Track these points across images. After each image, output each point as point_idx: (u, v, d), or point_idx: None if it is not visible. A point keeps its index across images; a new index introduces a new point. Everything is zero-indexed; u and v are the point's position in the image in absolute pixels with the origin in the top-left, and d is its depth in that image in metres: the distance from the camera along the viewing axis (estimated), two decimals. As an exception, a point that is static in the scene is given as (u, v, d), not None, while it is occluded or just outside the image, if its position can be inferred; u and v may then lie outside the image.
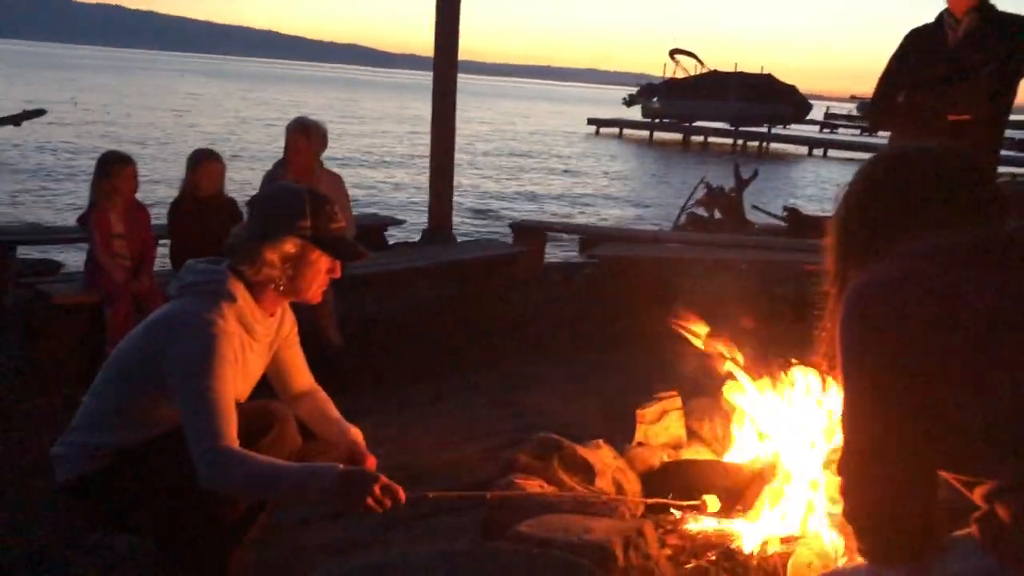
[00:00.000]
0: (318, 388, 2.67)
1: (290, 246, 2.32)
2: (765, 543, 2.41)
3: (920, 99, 4.01)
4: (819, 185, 25.69)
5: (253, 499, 2.40)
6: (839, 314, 1.37)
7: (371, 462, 2.46)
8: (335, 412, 2.62)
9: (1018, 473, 1.21)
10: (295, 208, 2.32)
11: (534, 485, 2.52)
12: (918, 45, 4.19)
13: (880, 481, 1.33)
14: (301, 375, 2.64)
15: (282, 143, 5.23)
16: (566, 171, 25.28)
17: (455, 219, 9.12)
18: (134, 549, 2.76)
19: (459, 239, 9.02)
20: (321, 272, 2.39)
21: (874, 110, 4.41)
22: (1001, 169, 4.12)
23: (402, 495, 2.17)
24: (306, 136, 5.10)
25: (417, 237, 9.08)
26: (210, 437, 2.14)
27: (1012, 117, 4.33)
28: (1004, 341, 1.22)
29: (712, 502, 2.60)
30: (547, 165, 26.57)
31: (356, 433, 2.55)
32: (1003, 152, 4.21)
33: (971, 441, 1.24)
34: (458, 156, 8.66)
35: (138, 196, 5.00)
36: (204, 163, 5.04)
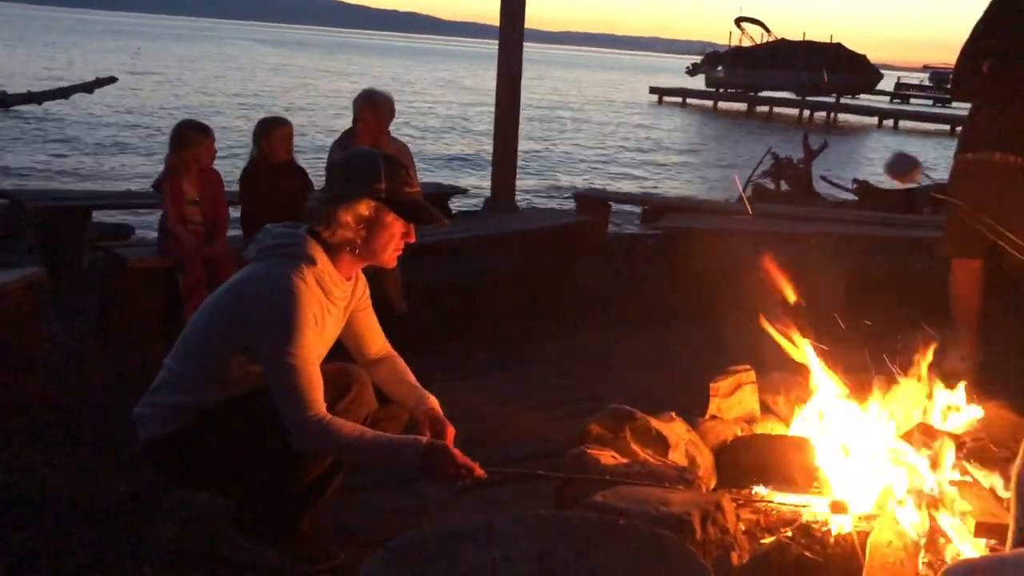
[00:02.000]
0: (394, 353, 2.69)
1: (364, 208, 2.33)
2: (843, 520, 2.37)
3: (1006, 69, 3.86)
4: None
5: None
6: None
7: (450, 432, 2.46)
8: (412, 378, 2.63)
9: None
10: (369, 170, 2.34)
11: (606, 456, 2.51)
12: (1005, 12, 4.02)
13: None
14: (377, 339, 2.66)
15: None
16: (628, 141, 25.01)
17: (518, 189, 9.09)
18: (212, 507, 2.83)
19: (522, 208, 9.00)
20: (396, 236, 2.40)
21: (957, 79, 4.25)
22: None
23: (479, 471, 2.22)
24: (374, 107, 5.15)
25: (479, 206, 9.08)
26: (301, 406, 2.22)
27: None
28: None
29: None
30: (609, 135, 26.32)
31: (433, 401, 2.56)
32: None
33: None
34: (520, 126, 8.59)
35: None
36: (275, 130, 5.09)
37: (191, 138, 4.82)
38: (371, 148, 2.74)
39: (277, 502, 2.50)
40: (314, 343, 2.30)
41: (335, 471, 2.51)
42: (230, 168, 6.04)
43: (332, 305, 2.41)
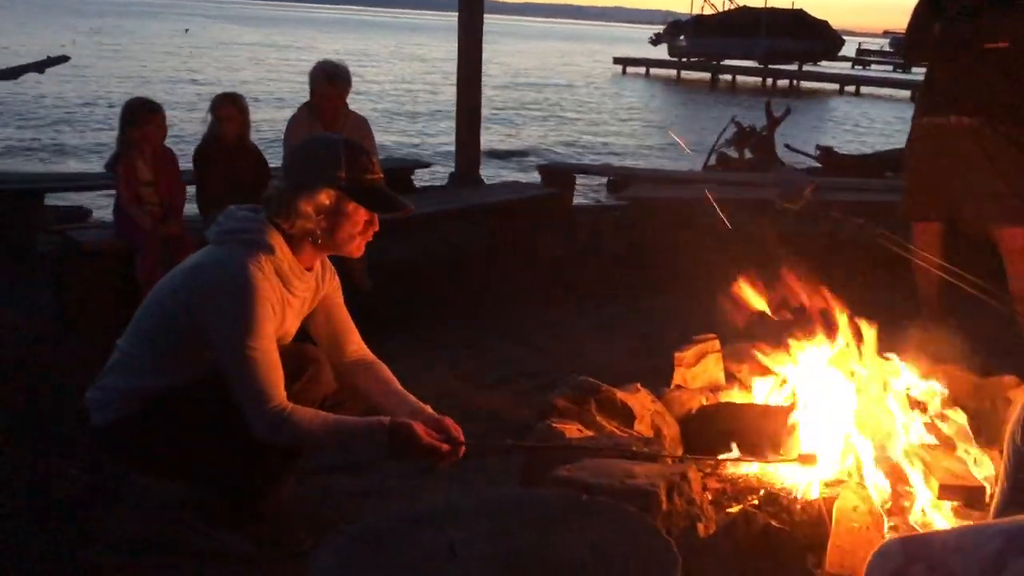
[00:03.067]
0: (376, 359, 2.55)
1: (325, 197, 2.25)
2: (807, 486, 2.37)
3: (955, 30, 3.86)
4: (851, 123, 25.16)
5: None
6: None
7: (457, 430, 2.34)
8: (400, 386, 2.47)
9: None
10: (330, 158, 2.26)
11: (571, 430, 2.49)
12: None
13: None
14: (352, 337, 2.55)
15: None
16: (593, 112, 24.92)
17: (482, 162, 9.02)
18: (173, 495, 2.77)
19: (486, 182, 8.93)
20: (359, 225, 2.32)
21: (908, 43, 4.25)
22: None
23: (444, 448, 2.16)
24: (331, 81, 5.05)
25: (444, 181, 9.00)
26: (261, 399, 2.16)
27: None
28: None
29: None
30: (574, 106, 26.20)
31: (430, 410, 2.37)
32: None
33: None
34: (483, 98, 8.50)
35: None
36: (223, 107, 4.98)
37: (141, 116, 4.69)
38: (331, 133, 2.65)
39: (238, 487, 2.45)
40: (273, 335, 2.23)
41: (295, 454, 2.46)
42: (186, 148, 5.90)
43: (292, 297, 2.34)
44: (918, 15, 4.09)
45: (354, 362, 2.53)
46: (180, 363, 2.32)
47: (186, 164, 5.18)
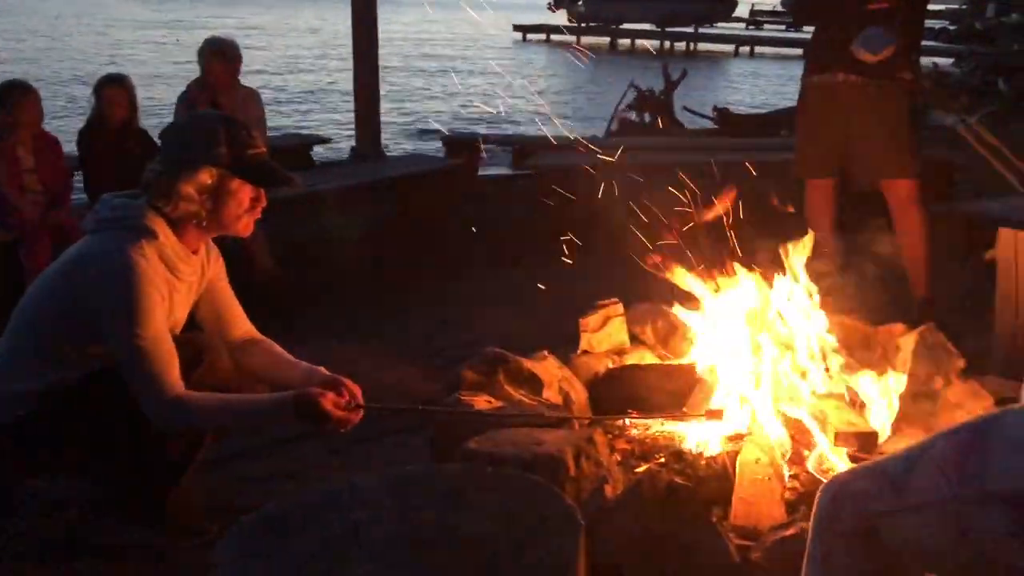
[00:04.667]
0: (262, 337, 2.51)
1: (206, 176, 2.18)
2: (711, 442, 2.44)
3: None
4: (747, 83, 25.72)
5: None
6: None
7: (356, 389, 2.32)
8: (290, 356, 2.45)
9: None
10: (208, 136, 2.17)
11: (480, 401, 2.50)
12: None
13: None
14: (239, 318, 2.49)
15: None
16: (495, 80, 24.81)
17: (383, 135, 8.89)
18: (72, 492, 2.67)
19: (389, 156, 8.82)
20: (245, 202, 2.25)
21: (794, 4, 4.34)
22: (922, 59, 4.11)
23: (356, 416, 2.15)
24: (221, 57, 4.91)
25: (345, 155, 8.84)
26: (157, 388, 2.09)
27: (933, 7, 4.30)
28: None
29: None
30: (474, 75, 26.05)
31: (324, 371, 2.36)
32: (925, 43, 4.17)
33: None
34: (381, 69, 8.36)
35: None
36: (107, 89, 4.77)
37: (13, 99, 4.45)
38: (208, 110, 2.55)
39: (140, 481, 2.38)
40: (164, 321, 2.16)
41: (199, 442, 2.40)
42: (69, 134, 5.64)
43: (179, 281, 2.26)
44: None
45: (242, 342, 2.49)
46: (68, 360, 2.22)
47: (71, 149, 4.97)
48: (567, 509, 1.49)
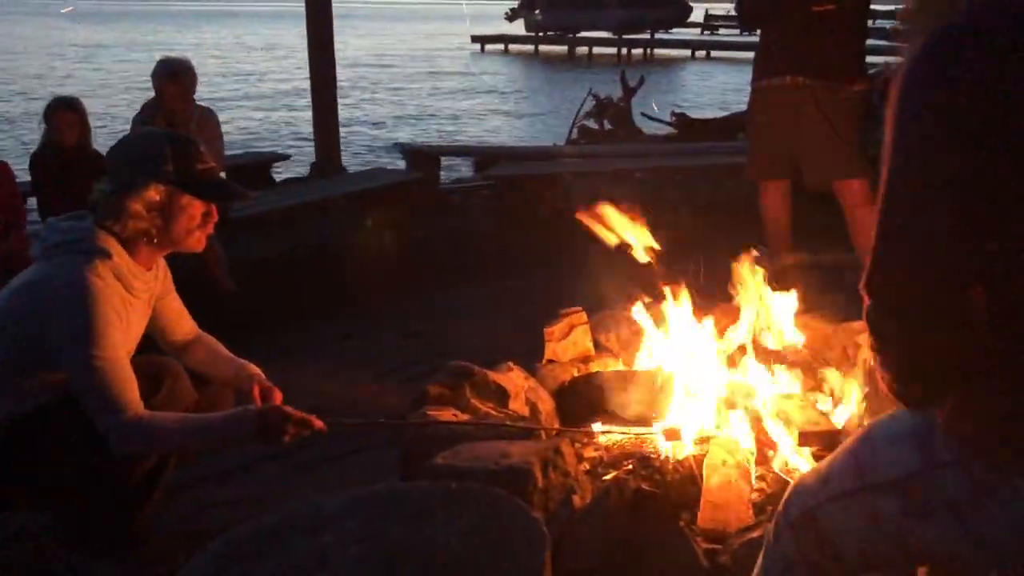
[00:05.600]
0: (202, 332, 2.55)
1: (155, 193, 2.16)
2: (677, 447, 2.45)
3: None
4: (704, 87, 25.98)
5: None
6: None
7: (278, 395, 2.36)
8: (227, 352, 2.50)
9: None
10: (154, 152, 2.16)
11: (447, 416, 2.49)
12: None
13: (930, 303, 1.08)
14: (184, 322, 2.50)
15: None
16: (454, 92, 24.82)
17: (343, 150, 8.86)
18: (34, 524, 2.62)
19: (350, 170, 8.78)
20: (196, 218, 2.24)
21: (741, 7, 4.40)
22: (871, 59, 4.15)
23: (317, 423, 2.15)
24: (174, 79, 4.87)
25: (305, 172, 8.79)
26: (116, 409, 2.06)
27: (880, 7, 4.38)
28: None
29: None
30: (434, 87, 26.03)
31: (254, 367, 2.44)
32: (872, 42, 4.22)
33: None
34: (340, 83, 8.33)
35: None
36: (58, 113, 4.70)
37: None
38: (153, 128, 2.53)
39: (102, 511, 2.34)
40: (122, 342, 2.13)
41: (161, 469, 2.36)
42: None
43: (135, 299, 2.24)
44: None
45: (187, 342, 2.51)
46: (23, 389, 2.18)
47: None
48: (533, 523, 1.49)
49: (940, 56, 1.05)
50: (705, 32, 54.59)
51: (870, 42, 4.27)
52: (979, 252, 1.04)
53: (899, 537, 1.26)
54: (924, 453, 1.20)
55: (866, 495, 1.28)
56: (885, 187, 1.10)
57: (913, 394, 1.16)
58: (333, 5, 7.86)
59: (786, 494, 1.45)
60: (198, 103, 5.11)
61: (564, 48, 41.37)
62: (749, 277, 2.94)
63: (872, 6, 4.39)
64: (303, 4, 7.77)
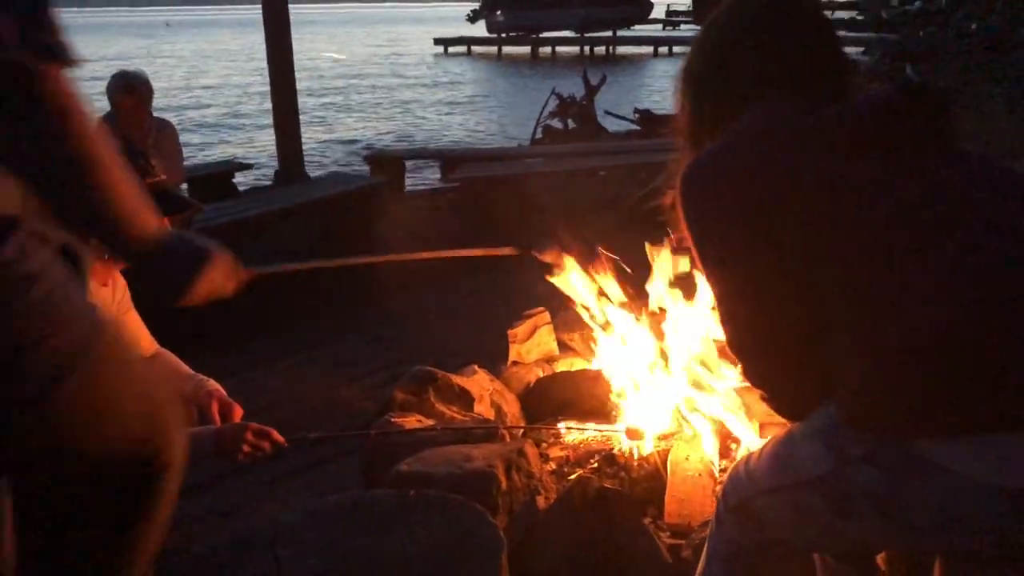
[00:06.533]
0: (161, 349, 2.52)
1: None
2: (641, 443, 2.46)
3: None
4: (667, 84, 26.13)
5: None
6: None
7: (237, 411, 2.35)
8: (186, 368, 2.47)
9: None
10: None
11: (411, 421, 2.48)
12: None
13: (760, 348, 1.35)
14: (142, 339, 2.48)
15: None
16: (417, 95, 24.78)
17: (307, 157, 8.80)
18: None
19: (313, 177, 8.74)
20: None
21: (695, 5, 4.44)
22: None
23: (277, 438, 2.13)
24: (130, 92, 4.82)
25: (269, 180, 8.73)
26: None
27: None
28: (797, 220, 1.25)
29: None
30: (397, 90, 25.96)
31: (213, 383, 2.41)
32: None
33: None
34: (302, 90, 8.29)
35: None
36: None
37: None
38: None
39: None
40: None
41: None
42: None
43: None
44: None
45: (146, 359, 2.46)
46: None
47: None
48: (490, 528, 1.49)
49: (707, 171, 1.35)
50: (667, 28, 55.00)
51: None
52: (787, 313, 1.29)
53: (833, 531, 1.28)
54: (836, 451, 1.23)
55: (789, 493, 1.31)
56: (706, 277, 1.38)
57: (796, 417, 1.36)
58: (295, 11, 7.81)
59: (724, 481, 1.50)
60: (156, 116, 5.07)
61: (527, 48, 41.45)
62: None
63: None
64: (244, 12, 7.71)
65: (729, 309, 1.36)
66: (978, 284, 1.14)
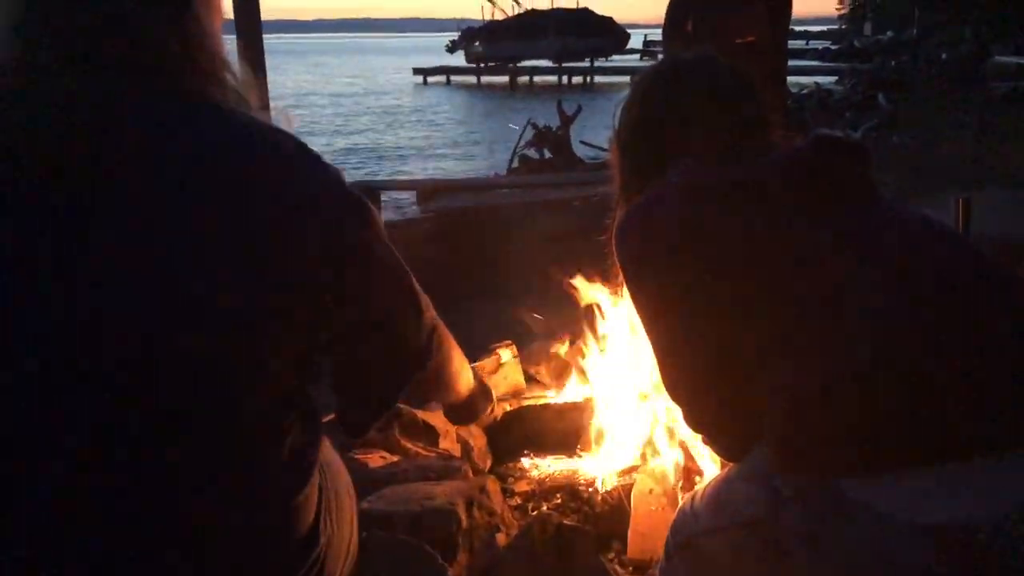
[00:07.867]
0: None
1: None
2: (605, 477, 2.46)
3: (706, 24, 4.12)
4: (644, 113, 26.35)
5: None
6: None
7: None
8: None
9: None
10: None
11: (375, 459, 2.47)
12: None
13: (691, 394, 1.41)
14: None
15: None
16: (396, 125, 24.89)
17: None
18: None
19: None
20: None
21: (666, 40, 4.49)
22: (804, 79, 4.27)
23: None
24: None
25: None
26: None
27: (815, 28, 4.52)
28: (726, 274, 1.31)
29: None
30: (376, 120, 26.08)
31: None
32: (808, 63, 4.35)
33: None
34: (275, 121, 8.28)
35: None
36: None
37: None
38: None
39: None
40: None
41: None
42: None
43: None
44: (673, 8, 4.33)
45: None
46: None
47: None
48: (439, 569, 1.49)
49: (636, 221, 1.44)
50: (644, 58, 55.54)
51: (805, 63, 4.42)
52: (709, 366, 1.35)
53: (771, 572, 1.28)
54: (769, 492, 1.25)
55: (725, 535, 1.33)
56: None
57: (734, 458, 1.43)
58: (272, 41, 7.82)
59: (674, 518, 1.52)
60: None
61: (505, 78, 41.81)
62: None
63: (805, 28, 4.54)
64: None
65: (660, 357, 1.42)
66: (888, 328, 1.19)
